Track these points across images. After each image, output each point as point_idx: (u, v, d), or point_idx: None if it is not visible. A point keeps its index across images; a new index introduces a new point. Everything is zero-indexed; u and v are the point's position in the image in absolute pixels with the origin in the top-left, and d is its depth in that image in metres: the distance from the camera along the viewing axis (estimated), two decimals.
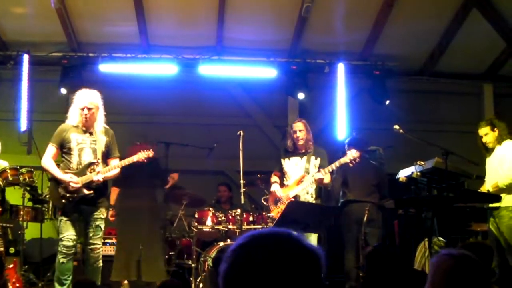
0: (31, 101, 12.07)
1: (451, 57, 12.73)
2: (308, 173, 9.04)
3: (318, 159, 9.17)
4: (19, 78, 11.93)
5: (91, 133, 8.22)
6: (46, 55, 12.13)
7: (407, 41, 12.40)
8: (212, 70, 12.42)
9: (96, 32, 12.22)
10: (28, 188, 10.26)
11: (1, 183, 10.30)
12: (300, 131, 9.17)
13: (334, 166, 8.84)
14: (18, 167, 10.30)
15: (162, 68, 12.34)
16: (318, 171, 8.98)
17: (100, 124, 8.29)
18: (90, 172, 8.04)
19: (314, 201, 8.97)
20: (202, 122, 13.21)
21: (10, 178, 10.28)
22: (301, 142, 9.15)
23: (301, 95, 12.35)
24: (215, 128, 12.84)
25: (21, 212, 10.19)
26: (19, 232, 10.26)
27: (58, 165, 8.22)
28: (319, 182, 8.91)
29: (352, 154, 8.77)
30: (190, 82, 12.78)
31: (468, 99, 13.73)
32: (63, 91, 11.87)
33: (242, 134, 9.37)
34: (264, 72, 12.53)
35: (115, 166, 8.20)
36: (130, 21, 11.82)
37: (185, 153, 11.71)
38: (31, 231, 11.02)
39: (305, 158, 9.15)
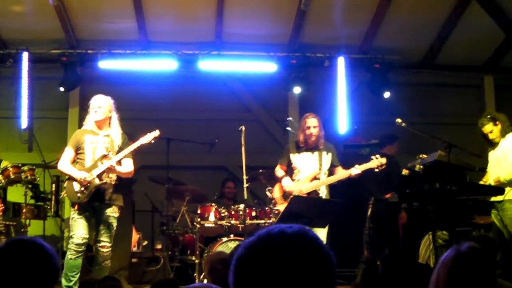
0: (31, 99, 12.07)
1: (451, 49, 12.71)
2: (322, 170, 9.01)
3: (330, 154, 9.12)
4: (19, 76, 11.93)
5: (105, 135, 8.35)
6: (45, 53, 12.11)
7: (406, 34, 12.37)
8: (211, 65, 12.40)
9: (95, 28, 12.20)
10: (30, 186, 10.26)
11: (2, 181, 10.29)
12: (314, 127, 9.05)
13: (364, 167, 8.82)
14: (20, 165, 10.29)
15: (162, 64, 12.32)
16: (332, 166, 9.04)
17: (114, 126, 8.46)
18: (102, 164, 8.10)
19: (326, 197, 8.97)
20: (202, 118, 13.20)
21: (12, 176, 10.27)
22: (313, 139, 9.05)
23: (297, 89, 12.34)
24: (215, 123, 12.82)
25: (24, 210, 10.19)
26: (22, 230, 10.27)
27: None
28: (351, 177, 8.88)
29: (380, 160, 8.77)
30: (190, 77, 12.77)
31: (469, 91, 13.72)
32: (62, 88, 11.86)
33: (243, 129, 9.33)
34: (264, 66, 12.50)
35: (125, 153, 8.22)
36: (128, 17, 11.79)
37: (186, 149, 11.72)
38: (34, 228, 11.02)
39: (316, 153, 9.07)
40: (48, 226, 10.96)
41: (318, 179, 9.01)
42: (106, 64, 12.09)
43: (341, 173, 8.94)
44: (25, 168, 10.18)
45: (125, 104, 12.38)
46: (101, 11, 11.78)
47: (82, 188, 8.03)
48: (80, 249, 8.01)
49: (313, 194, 8.90)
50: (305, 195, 8.78)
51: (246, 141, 9.40)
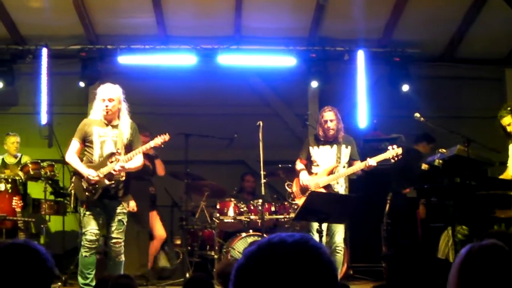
0: (50, 95, 12.13)
1: (471, 42, 12.60)
2: (340, 163, 8.92)
3: (349, 147, 9.02)
4: (38, 72, 11.99)
5: (114, 126, 8.16)
6: (65, 48, 12.15)
7: (426, 27, 12.26)
8: (230, 59, 12.38)
9: (113, 24, 12.21)
10: (49, 182, 10.30)
11: (22, 177, 10.36)
12: (331, 121, 8.95)
13: (379, 158, 8.75)
14: (39, 161, 10.35)
15: (181, 59, 12.31)
16: (351, 160, 8.96)
17: (123, 117, 8.25)
18: (111, 163, 7.98)
19: (344, 192, 8.89)
20: (221, 112, 13.15)
21: (32, 172, 10.34)
22: (331, 132, 8.94)
23: (314, 83, 12.30)
24: (234, 118, 12.76)
25: (43, 206, 10.24)
26: (42, 225, 10.32)
27: (81, 159, 8.17)
28: (367, 169, 8.79)
29: (396, 151, 8.68)
30: (209, 72, 12.72)
31: (490, 84, 13.57)
32: (82, 83, 11.89)
33: (261, 124, 9.30)
34: (283, 60, 12.47)
35: (133, 154, 8.07)
36: (147, 12, 11.78)
37: (205, 144, 11.70)
38: (54, 224, 11.10)
39: (335, 147, 8.97)
40: (68, 222, 11.01)
41: (336, 172, 8.95)
42: (125, 60, 12.11)
43: (356, 165, 8.87)
44: (45, 164, 10.25)
45: (144, 99, 12.52)
46: (120, 6, 11.79)
47: (90, 187, 7.96)
48: (93, 246, 7.99)
49: (330, 188, 8.84)
50: (321, 190, 8.71)
51: (265, 135, 9.40)
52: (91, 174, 7.90)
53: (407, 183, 10.16)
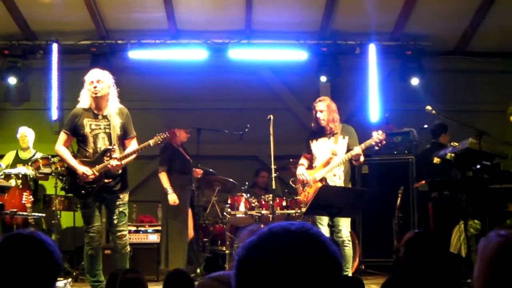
0: (61, 90, 12.14)
1: (484, 35, 12.47)
2: (336, 154, 8.69)
3: (346, 137, 8.77)
4: (49, 67, 12.00)
5: (104, 116, 7.88)
6: (75, 44, 12.16)
7: (438, 20, 12.17)
8: (241, 54, 12.37)
9: (124, 18, 12.18)
10: (60, 177, 10.29)
11: (33, 173, 10.36)
12: (321, 111, 8.76)
13: (364, 145, 8.58)
14: (50, 156, 10.35)
15: (192, 54, 12.30)
16: (347, 150, 8.68)
17: (113, 105, 7.94)
18: (107, 159, 7.79)
19: (342, 184, 8.68)
20: (233, 107, 13.12)
21: (42, 169, 10.34)
22: (323, 123, 8.75)
23: (323, 78, 12.25)
24: (246, 112, 12.72)
25: (54, 202, 10.23)
26: (53, 221, 10.32)
27: (74, 155, 7.99)
28: (356, 158, 8.59)
29: (378, 136, 8.46)
30: (220, 66, 12.71)
31: (503, 78, 13.41)
32: None
33: (272, 118, 9.24)
34: (295, 54, 12.45)
35: (131, 152, 7.90)
36: (157, 6, 11.75)
37: (217, 138, 11.70)
38: (65, 220, 11.10)
39: (332, 139, 8.79)
40: (79, 218, 10.92)
41: None
42: (135, 54, 12.11)
43: (343, 155, 8.60)
44: (55, 159, 10.24)
45: (154, 94, 12.54)
46: (130, 1, 11.77)
47: (87, 186, 7.80)
48: (97, 242, 7.94)
49: (325, 180, 8.71)
50: (317, 184, 8.59)
51: (277, 130, 9.36)
52: (86, 172, 7.72)
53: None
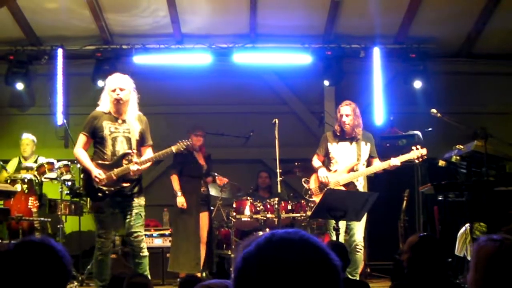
0: (66, 95, 12.17)
1: (488, 38, 12.47)
2: (360, 161, 8.78)
3: (368, 144, 8.88)
4: (54, 72, 12.05)
5: (123, 121, 7.85)
6: (80, 49, 12.19)
7: (443, 23, 12.16)
8: (246, 58, 12.38)
9: (128, 23, 12.21)
10: (65, 182, 10.30)
11: (38, 178, 10.39)
12: (347, 115, 8.82)
13: (403, 159, 8.63)
14: (56, 161, 10.38)
15: (196, 58, 12.32)
16: (370, 157, 8.84)
17: (133, 110, 7.92)
18: (126, 163, 7.74)
19: (363, 189, 8.76)
20: (237, 111, 13.15)
21: (48, 173, 10.37)
22: (347, 127, 8.81)
23: (327, 82, 12.28)
24: (251, 116, 12.75)
25: (60, 206, 10.24)
26: (58, 226, 10.33)
27: (91, 156, 7.93)
28: (390, 168, 8.67)
29: (421, 151, 8.57)
30: (225, 71, 12.73)
31: (507, 80, 13.41)
32: (100, 83, 11.86)
33: (277, 122, 9.24)
34: (299, 58, 12.45)
35: (151, 158, 7.89)
36: (162, 11, 11.79)
37: (222, 142, 11.70)
38: (70, 224, 11.10)
39: (355, 144, 8.84)
40: (84, 222, 11.01)
41: (356, 170, 8.85)
42: (140, 59, 12.13)
43: (379, 164, 8.74)
44: (61, 164, 10.26)
45: (159, 98, 12.55)
46: (134, 6, 11.77)
47: (105, 188, 7.74)
48: (108, 248, 7.89)
49: (351, 185, 8.74)
50: (340, 188, 8.62)
51: (282, 133, 9.36)
52: (99, 176, 7.66)
53: None
